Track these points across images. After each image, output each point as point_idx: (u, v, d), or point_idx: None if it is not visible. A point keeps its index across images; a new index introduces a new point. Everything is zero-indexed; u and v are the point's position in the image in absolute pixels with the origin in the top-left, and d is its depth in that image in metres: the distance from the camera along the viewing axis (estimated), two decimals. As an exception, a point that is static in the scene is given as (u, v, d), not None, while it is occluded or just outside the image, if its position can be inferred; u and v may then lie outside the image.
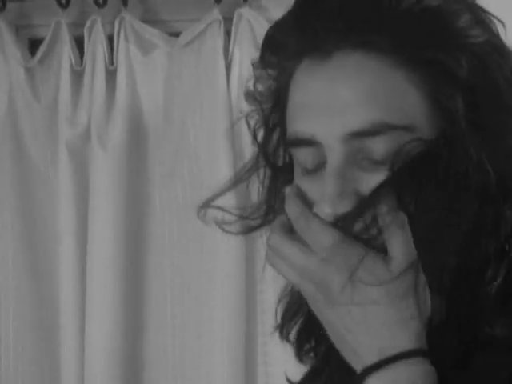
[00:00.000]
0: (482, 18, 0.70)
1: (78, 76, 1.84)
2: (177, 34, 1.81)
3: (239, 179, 0.79)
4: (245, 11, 1.73)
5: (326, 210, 0.66)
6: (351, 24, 0.67)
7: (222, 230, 0.78)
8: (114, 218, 1.78)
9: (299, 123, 0.69)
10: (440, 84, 0.67)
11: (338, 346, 0.68)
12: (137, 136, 1.81)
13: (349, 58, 0.67)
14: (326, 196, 0.66)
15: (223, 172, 1.70)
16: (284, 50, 0.70)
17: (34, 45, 1.94)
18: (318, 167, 0.69)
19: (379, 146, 0.66)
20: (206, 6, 1.76)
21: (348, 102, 0.66)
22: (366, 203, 0.66)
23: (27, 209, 1.86)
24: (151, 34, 1.80)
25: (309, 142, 0.68)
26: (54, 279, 1.85)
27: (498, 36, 0.71)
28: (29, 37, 1.97)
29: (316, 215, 0.67)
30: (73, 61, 1.83)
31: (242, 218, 0.77)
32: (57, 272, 1.84)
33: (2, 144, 1.86)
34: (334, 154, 0.67)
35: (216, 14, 1.75)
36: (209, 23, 1.76)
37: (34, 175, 1.87)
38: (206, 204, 0.77)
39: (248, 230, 0.78)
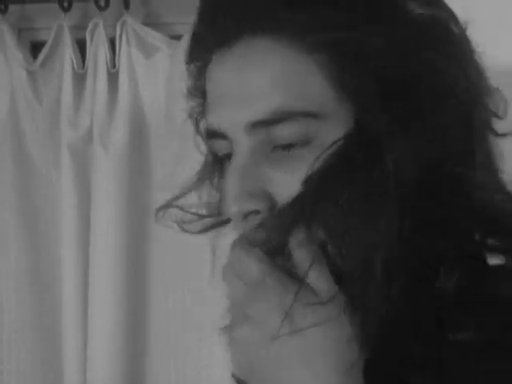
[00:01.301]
0: None
1: (79, 79, 1.84)
2: (178, 37, 1.81)
3: (200, 179, 0.78)
4: (246, 14, 1.74)
5: (232, 208, 0.64)
6: (253, 11, 0.64)
7: (182, 229, 0.77)
8: (117, 219, 1.78)
9: (210, 115, 0.68)
10: (347, 68, 0.62)
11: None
12: (139, 138, 1.82)
13: (252, 46, 0.64)
14: (230, 193, 0.64)
15: (225, 173, 1.71)
16: (201, 43, 0.69)
17: (35, 48, 1.94)
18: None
19: (285, 133, 0.63)
20: (208, 9, 1.77)
21: (251, 90, 0.64)
22: (279, 235, 0.62)
23: (29, 211, 1.87)
24: (153, 36, 1.81)
25: (220, 135, 0.67)
26: (55, 281, 1.85)
27: (447, 15, 0.66)
28: (31, 40, 1.97)
29: (250, 250, 0.63)
30: (75, 64, 1.83)
31: (200, 216, 0.77)
32: (59, 274, 1.84)
33: (3, 146, 1.86)
34: (239, 147, 0.65)
35: (217, 16, 1.76)
36: (210, 26, 1.77)
37: (36, 178, 1.87)
38: (167, 206, 0.77)
39: (205, 229, 0.76)
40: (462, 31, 0.67)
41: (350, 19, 0.62)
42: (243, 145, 0.65)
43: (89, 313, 1.80)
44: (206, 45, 0.68)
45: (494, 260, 0.65)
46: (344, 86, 0.63)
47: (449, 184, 0.63)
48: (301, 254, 0.62)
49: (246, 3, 0.65)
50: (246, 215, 0.64)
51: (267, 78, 0.63)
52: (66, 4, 1.82)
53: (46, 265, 1.87)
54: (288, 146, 0.64)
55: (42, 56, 1.86)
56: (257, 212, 0.64)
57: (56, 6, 1.82)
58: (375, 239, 0.60)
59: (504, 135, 0.69)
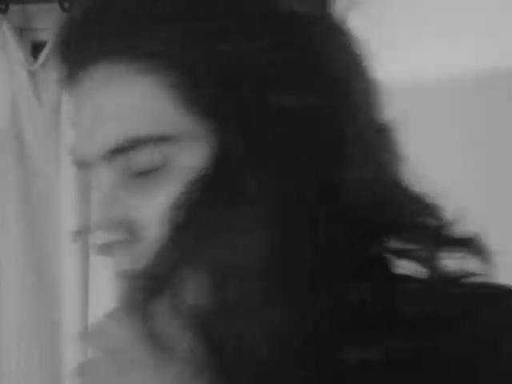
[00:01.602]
0: None
1: (80, 79, 1.84)
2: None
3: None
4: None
5: (97, 239, 0.61)
6: (94, 38, 0.60)
7: (101, 253, 0.73)
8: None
9: (71, 146, 0.64)
10: (200, 85, 0.58)
11: None
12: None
13: (100, 73, 0.60)
14: (93, 224, 0.61)
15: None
16: (63, 70, 0.65)
17: (36, 48, 1.94)
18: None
19: (141, 159, 0.59)
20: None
21: (103, 118, 0.60)
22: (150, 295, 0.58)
23: (30, 213, 1.87)
24: (153, 37, 1.81)
25: (82, 165, 0.64)
26: (56, 281, 1.85)
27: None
28: (31, 40, 1.97)
29: (121, 319, 0.59)
30: (75, 64, 1.83)
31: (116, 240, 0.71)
32: (59, 274, 1.85)
33: (4, 148, 1.86)
34: (100, 176, 0.62)
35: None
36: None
37: (37, 177, 1.87)
38: (83, 231, 0.71)
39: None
40: (341, 24, 0.63)
41: (200, 30, 0.58)
42: (103, 174, 0.62)
43: (89, 312, 1.80)
44: (66, 71, 0.64)
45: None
46: (199, 105, 0.58)
47: (332, 192, 0.58)
48: (168, 323, 0.57)
49: (91, 31, 0.61)
50: (111, 245, 0.61)
51: (117, 105, 0.59)
52: (66, 4, 1.82)
53: (46, 264, 1.87)
54: (147, 172, 0.59)
55: (42, 56, 1.87)
56: (122, 241, 0.61)
57: (57, 6, 1.82)
58: (241, 268, 0.55)
59: (393, 128, 0.63)
